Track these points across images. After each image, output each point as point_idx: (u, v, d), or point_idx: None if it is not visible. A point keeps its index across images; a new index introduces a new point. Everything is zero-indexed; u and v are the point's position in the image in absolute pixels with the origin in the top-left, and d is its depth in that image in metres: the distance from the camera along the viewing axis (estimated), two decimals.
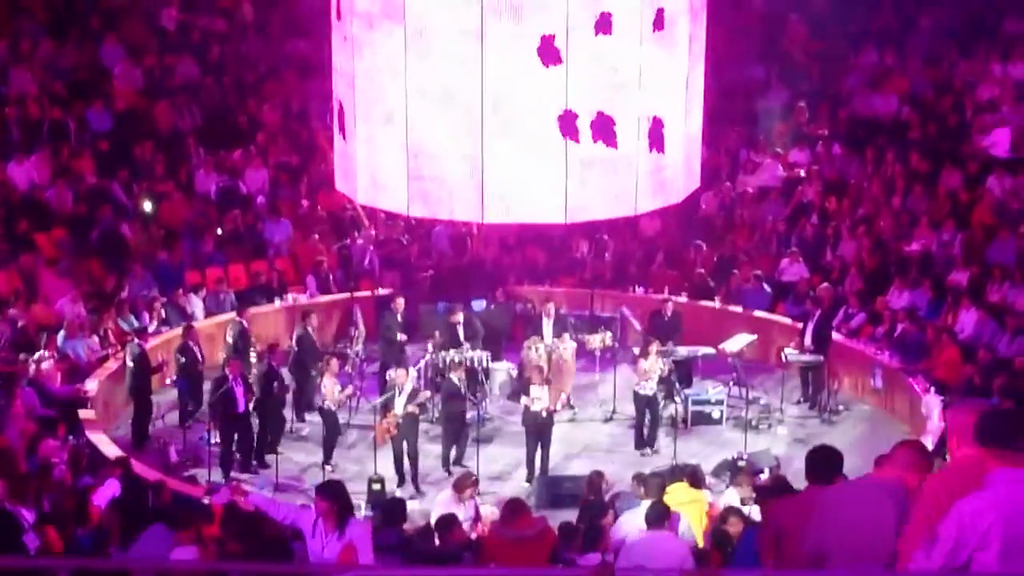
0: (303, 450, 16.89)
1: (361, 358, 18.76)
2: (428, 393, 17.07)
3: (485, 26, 12.16)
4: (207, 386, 16.97)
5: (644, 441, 16.88)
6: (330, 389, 16.30)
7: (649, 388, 16.76)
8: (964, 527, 4.75)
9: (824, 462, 6.94)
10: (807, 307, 18.63)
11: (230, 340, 17.89)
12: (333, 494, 8.61)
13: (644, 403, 16.82)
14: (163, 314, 18.86)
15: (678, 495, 12.11)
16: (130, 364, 16.90)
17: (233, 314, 18.74)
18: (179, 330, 18.17)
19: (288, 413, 17.23)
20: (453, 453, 16.37)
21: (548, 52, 12.36)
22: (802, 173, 22.63)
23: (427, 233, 21.92)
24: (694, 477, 12.91)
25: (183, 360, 17.30)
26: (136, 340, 17.20)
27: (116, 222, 20.49)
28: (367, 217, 22.07)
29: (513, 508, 10.52)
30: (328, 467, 16.11)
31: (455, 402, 16.32)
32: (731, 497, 12.57)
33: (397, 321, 18.47)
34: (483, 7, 12.12)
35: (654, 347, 16.93)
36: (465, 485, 13.13)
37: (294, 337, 18.07)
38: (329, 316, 20.02)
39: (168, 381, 17.21)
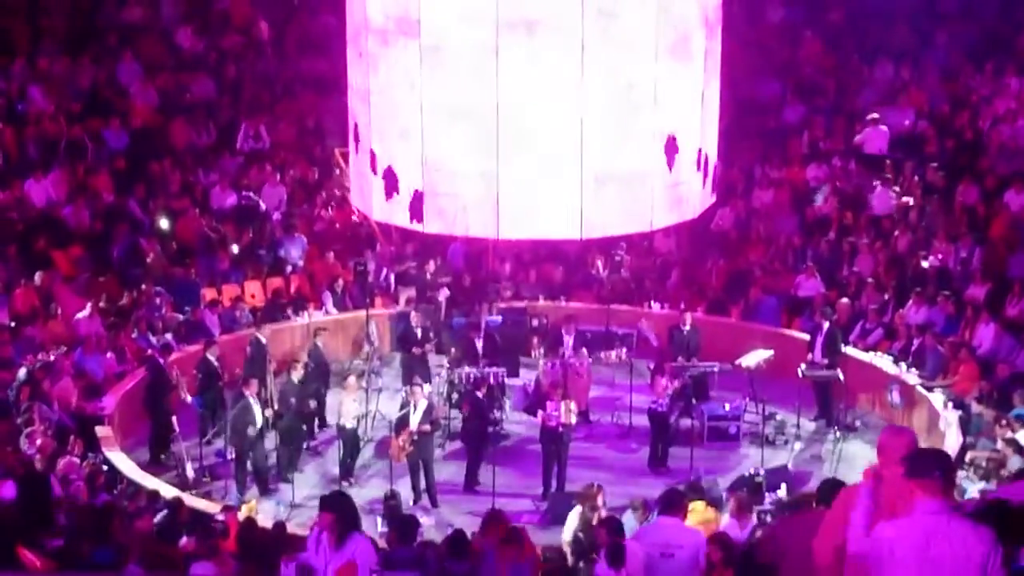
0: (320, 467, 16.90)
1: (376, 373, 18.78)
2: (444, 409, 17.10)
3: (500, 41, 12.19)
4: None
5: (658, 459, 16.84)
6: (348, 407, 16.34)
7: (661, 405, 16.73)
8: (880, 547, 5.45)
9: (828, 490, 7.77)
10: (816, 320, 18.59)
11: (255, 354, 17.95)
12: (337, 506, 8.08)
13: (658, 421, 16.78)
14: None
15: (693, 514, 12.04)
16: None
17: (252, 330, 18.76)
18: (195, 347, 18.24)
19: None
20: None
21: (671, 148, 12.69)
22: (910, 201, 21.84)
23: (444, 249, 21.92)
24: (711, 497, 12.86)
25: (201, 376, 17.33)
26: (157, 356, 17.26)
27: (135, 239, 20.57)
28: (382, 233, 22.11)
29: (491, 518, 10.69)
30: (346, 484, 16.12)
31: (478, 418, 16.32)
32: (726, 524, 12.41)
33: (415, 333, 18.50)
34: (498, 23, 12.16)
35: (667, 366, 16.93)
36: (591, 497, 12.47)
37: (306, 353, 18.11)
38: (345, 332, 20.05)
39: (188, 399, 17.18)
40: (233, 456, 16.32)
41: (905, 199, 21.96)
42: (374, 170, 13.24)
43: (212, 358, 17.39)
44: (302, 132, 24.35)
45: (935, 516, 5.32)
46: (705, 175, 13.77)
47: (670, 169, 13.06)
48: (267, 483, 16.09)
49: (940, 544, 5.27)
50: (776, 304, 20.33)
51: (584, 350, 18.09)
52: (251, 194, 22.38)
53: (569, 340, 18.19)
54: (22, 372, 16.43)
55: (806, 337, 18.90)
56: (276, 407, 16.53)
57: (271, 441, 16.54)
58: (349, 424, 16.35)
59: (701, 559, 9.46)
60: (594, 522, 12.05)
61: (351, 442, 16.41)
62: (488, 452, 16.18)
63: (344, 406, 16.39)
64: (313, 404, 17.13)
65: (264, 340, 18.02)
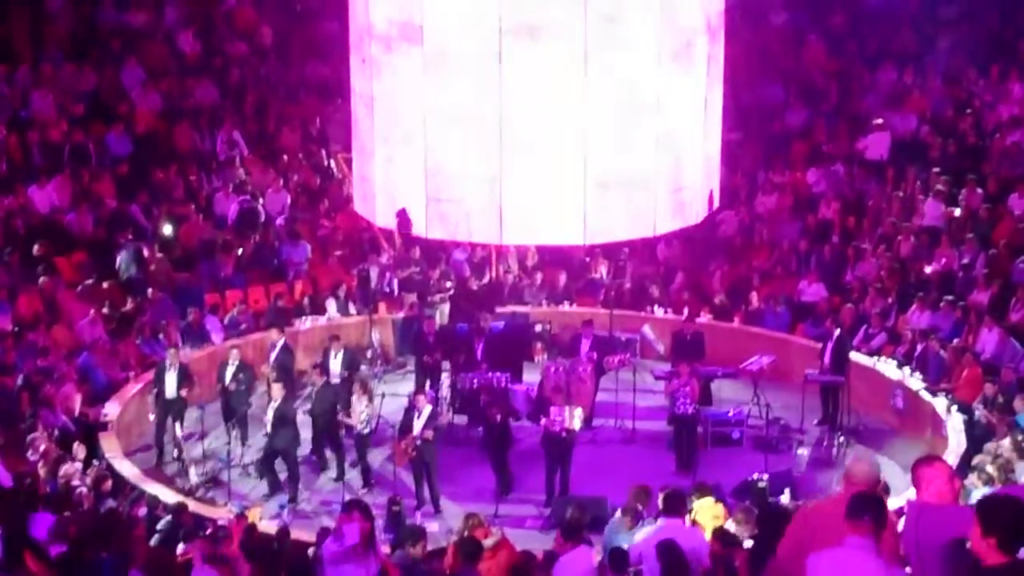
0: (319, 472, 16.89)
1: (379, 378, 18.79)
2: (449, 415, 17.09)
3: (503, 47, 12.21)
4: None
5: (683, 462, 16.78)
6: (357, 412, 16.35)
7: (685, 408, 16.69)
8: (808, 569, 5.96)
9: None
10: (827, 327, 18.57)
11: (272, 358, 17.92)
12: (371, 515, 8.52)
13: (681, 424, 16.74)
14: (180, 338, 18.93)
15: (702, 510, 12.05)
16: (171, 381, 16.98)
17: (252, 336, 18.76)
18: (200, 352, 18.26)
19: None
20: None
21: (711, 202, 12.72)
22: (956, 212, 21.41)
23: (447, 256, 21.88)
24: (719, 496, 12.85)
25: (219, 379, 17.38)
26: (167, 360, 17.27)
27: (138, 245, 20.57)
28: (385, 239, 22.10)
29: (469, 524, 10.87)
30: (363, 490, 16.07)
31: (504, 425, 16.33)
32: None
33: (427, 340, 18.50)
34: (501, 29, 12.17)
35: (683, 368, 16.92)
36: (638, 500, 12.27)
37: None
38: (348, 338, 20.03)
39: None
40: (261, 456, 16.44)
41: (952, 208, 21.77)
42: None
43: (233, 362, 17.37)
44: (306, 138, 24.35)
45: (856, 551, 5.81)
46: (710, 207, 13.78)
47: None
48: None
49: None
50: (787, 314, 20.26)
51: (594, 355, 18.06)
52: (253, 196, 22.38)
53: (586, 344, 18.18)
54: (20, 378, 16.44)
55: (810, 342, 18.88)
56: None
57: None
58: (361, 429, 16.34)
59: (704, 559, 9.49)
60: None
61: (362, 447, 16.41)
62: (511, 454, 16.20)
63: (353, 411, 16.39)
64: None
65: (278, 343, 18.04)
